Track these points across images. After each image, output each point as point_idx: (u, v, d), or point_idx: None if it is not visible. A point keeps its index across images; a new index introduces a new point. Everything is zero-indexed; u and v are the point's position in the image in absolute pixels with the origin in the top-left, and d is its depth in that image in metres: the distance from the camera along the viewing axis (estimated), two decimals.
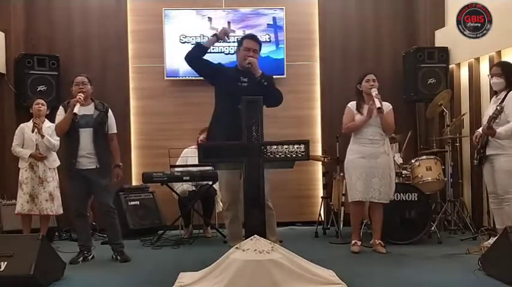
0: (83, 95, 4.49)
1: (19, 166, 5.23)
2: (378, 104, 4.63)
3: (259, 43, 4.28)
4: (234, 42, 6.65)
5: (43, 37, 6.66)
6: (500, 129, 4.38)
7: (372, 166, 4.71)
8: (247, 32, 6.66)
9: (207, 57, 4.26)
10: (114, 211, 4.69)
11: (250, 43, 4.20)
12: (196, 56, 4.20)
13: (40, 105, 5.22)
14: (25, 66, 6.18)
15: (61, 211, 5.32)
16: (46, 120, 5.27)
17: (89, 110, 4.60)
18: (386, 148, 4.78)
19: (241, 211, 4.10)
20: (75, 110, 4.38)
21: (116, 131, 4.78)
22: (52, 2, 6.71)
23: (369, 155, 4.73)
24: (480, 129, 4.76)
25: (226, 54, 6.67)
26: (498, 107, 4.37)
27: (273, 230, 4.05)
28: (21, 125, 5.33)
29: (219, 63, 4.37)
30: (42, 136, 5.08)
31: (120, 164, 4.77)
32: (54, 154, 5.26)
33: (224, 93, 4.17)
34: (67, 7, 6.73)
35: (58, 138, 5.11)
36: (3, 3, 6.19)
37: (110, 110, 4.73)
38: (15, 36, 6.29)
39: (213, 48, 6.60)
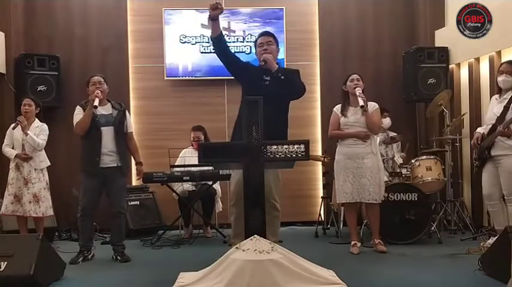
0: (100, 92, 4.52)
1: (9, 166, 5.20)
2: (360, 103, 4.63)
3: (272, 35, 4.27)
4: (234, 42, 6.69)
5: (43, 37, 6.66)
6: None
7: (359, 166, 4.71)
8: (247, 32, 6.70)
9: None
10: (124, 214, 4.73)
11: (262, 39, 4.21)
12: (220, 50, 4.18)
13: (27, 107, 5.09)
14: (25, 66, 6.17)
15: (50, 213, 5.20)
16: (36, 119, 5.18)
17: (107, 109, 4.65)
18: (373, 148, 4.77)
19: None
20: (95, 103, 4.42)
21: (132, 130, 4.88)
22: (52, 2, 6.71)
23: (354, 156, 4.73)
24: (479, 129, 4.74)
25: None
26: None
27: (274, 231, 4.05)
28: (13, 124, 5.26)
29: (247, 62, 4.36)
30: (26, 134, 4.99)
31: (141, 161, 4.88)
32: (42, 154, 5.16)
33: (247, 92, 4.13)
34: (67, 7, 6.73)
35: (45, 138, 5.08)
36: (3, 3, 6.19)
37: (126, 109, 4.80)
38: (15, 36, 6.29)
39: (213, 48, 6.65)
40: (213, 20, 3.99)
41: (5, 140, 5.21)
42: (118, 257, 4.64)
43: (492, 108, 4.65)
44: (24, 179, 5.06)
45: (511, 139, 4.40)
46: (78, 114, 4.60)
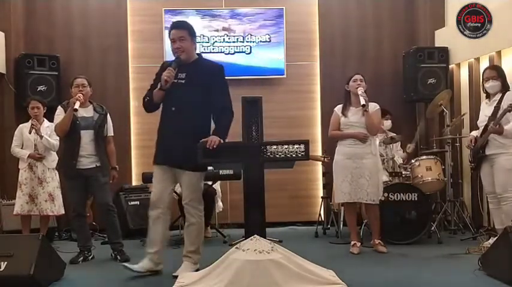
0: (82, 95, 4.51)
1: (19, 167, 5.22)
2: (362, 101, 4.65)
3: (185, 27, 3.85)
4: (234, 42, 6.70)
5: (43, 37, 6.66)
6: (507, 127, 4.42)
7: (358, 166, 4.70)
8: (247, 32, 6.69)
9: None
10: (114, 210, 4.70)
11: (173, 33, 3.81)
12: (153, 110, 3.98)
13: (35, 110, 5.14)
14: (25, 66, 6.17)
15: (62, 211, 5.31)
16: (45, 120, 5.24)
17: (89, 112, 4.63)
18: (372, 149, 4.77)
19: (166, 214, 3.94)
20: (76, 106, 4.41)
21: (113, 134, 4.82)
22: (52, 2, 6.71)
23: (354, 156, 4.72)
24: (473, 133, 4.85)
25: (226, 54, 6.68)
26: (509, 106, 4.39)
27: (190, 240, 3.94)
28: (20, 125, 5.31)
29: (162, 66, 3.98)
30: (41, 137, 5.06)
31: (116, 166, 4.80)
32: (54, 154, 5.23)
33: (165, 93, 3.81)
34: (67, 7, 6.73)
35: (57, 138, 5.10)
36: (3, 3, 6.19)
37: (108, 113, 4.76)
38: (15, 36, 6.29)
39: (213, 48, 6.69)
40: (164, 90, 3.76)
41: (13, 141, 5.25)
42: (118, 256, 4.63)
43: (483, 111, 4.77)
44: (39, 178, 5.12)
45: (504, 138, 4.47)
46: (59, 115, 4.58)
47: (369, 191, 4.69)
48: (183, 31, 3.81)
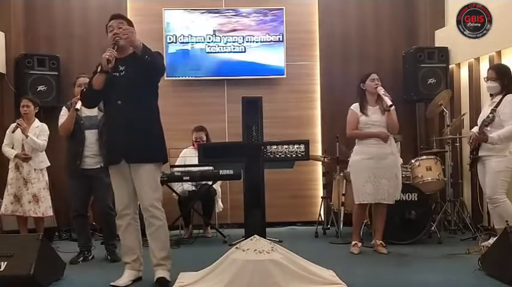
0: None
1: (9, 166, 5.20)
2: (389, 102, 4.59)
3: (124, 18, 3.88)
4: (234, 42, 6.69)
5: (43, 37, 6.66)
6: (493, 135, 4.43)
7: (379, 167, 4.63)
8: (247, 32, 6.69)
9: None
10: (113, 212, 4.70)
11: (112, 23, 3.76)
12: (96, 101, 3.91)
13: (25, 108, 5.09)
14: (25, 66, 6.17)
15: (50, 213, 5.20)
16: (36, 119, 5.18)
17: (93, 111, 4.59)
18: (392, 148, 4.74)
19: (136, 219, 3.85)
20: (77, 106, 4.39)
21: None
22: (52, 2, 6.71)
23: (376, 156, 4.65)
24: (474, 129, 4.81)
25: (226, 53, 6.67)
26: (490, 115, 4.46)
27: (162, 244, 3.71)
28: (12, 124, 5.23)
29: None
30: (26, 136, 4.98)
31: None
32: (42, 154, 5.16)
33: (106, 90, 3.64)
34: (67, 7, 6.73)
35: (45, 139, 5.07)
36: (3, 3, 6.19)
37: None
38: (15, 36, 6.30)
39: (213, 48, 6.68)
40: (105, 72, 3.58)
41: (4, 140, 5.21)
42: (108, 257, 4.65)
43: (484, 109, 4.78)
44: (24, 179, 5.06)
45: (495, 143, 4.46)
46: (63, 115, 4.58)
47: (390, 192, 4.65)
48: (122, 20, 3.80)
